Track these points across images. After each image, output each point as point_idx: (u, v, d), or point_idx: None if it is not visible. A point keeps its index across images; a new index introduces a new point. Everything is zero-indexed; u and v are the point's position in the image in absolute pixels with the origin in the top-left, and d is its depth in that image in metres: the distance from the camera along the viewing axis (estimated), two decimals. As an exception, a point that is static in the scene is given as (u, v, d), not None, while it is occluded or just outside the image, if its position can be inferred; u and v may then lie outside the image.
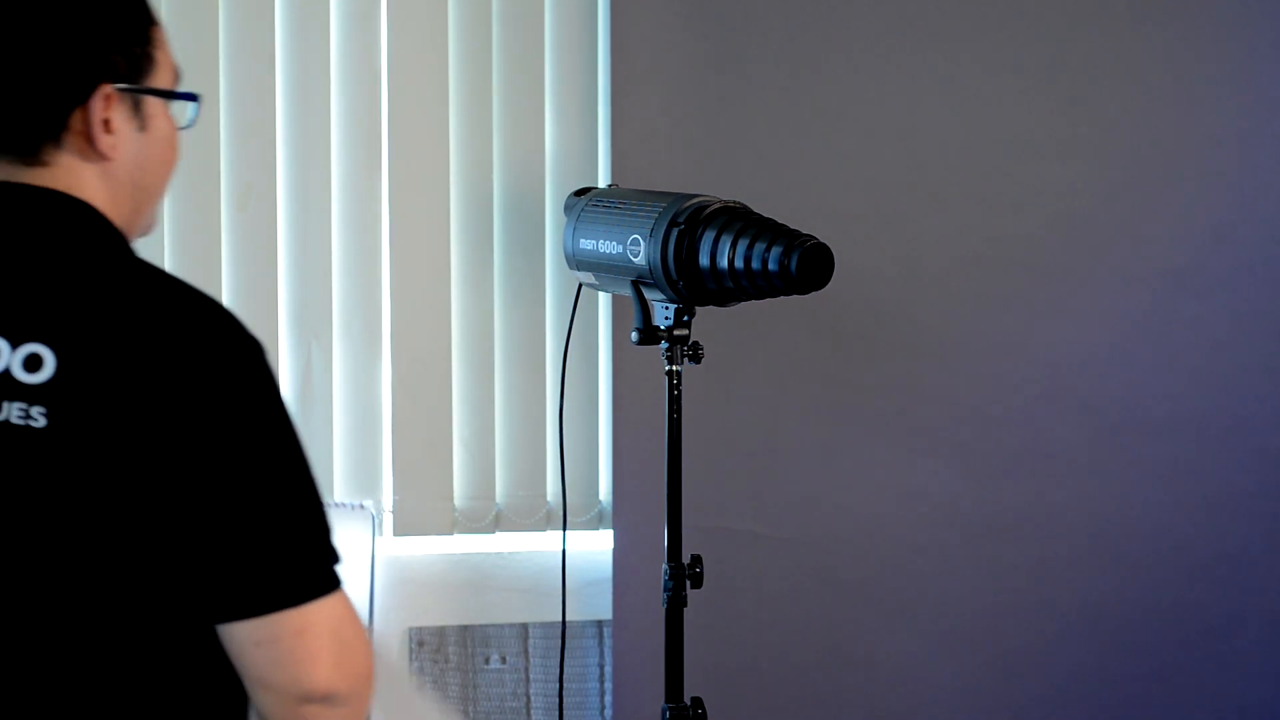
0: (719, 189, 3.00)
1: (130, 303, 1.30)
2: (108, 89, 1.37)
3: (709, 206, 1.99)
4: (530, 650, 2.92)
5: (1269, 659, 3.13)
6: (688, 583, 2.06)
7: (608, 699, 2.92)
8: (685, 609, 2.06)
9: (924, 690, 3.07)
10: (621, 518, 2.82)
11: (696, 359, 2.10)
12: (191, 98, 1.46)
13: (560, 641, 2.82)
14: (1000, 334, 3.06)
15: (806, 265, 1.88)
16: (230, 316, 1.33)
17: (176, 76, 1.46)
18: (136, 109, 1.40)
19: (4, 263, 1.34)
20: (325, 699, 1.30)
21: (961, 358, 3.05)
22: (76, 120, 1.37)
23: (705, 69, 2.96)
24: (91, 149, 1.38)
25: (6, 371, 1.28)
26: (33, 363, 1.28)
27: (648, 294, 2.05)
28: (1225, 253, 3.09)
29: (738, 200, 2.03)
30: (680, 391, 2.08)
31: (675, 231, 1.96)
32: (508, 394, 2.92)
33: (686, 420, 2.11)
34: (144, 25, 1.41)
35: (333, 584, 1.32)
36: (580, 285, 2.18)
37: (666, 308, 2.06)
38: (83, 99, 1.37)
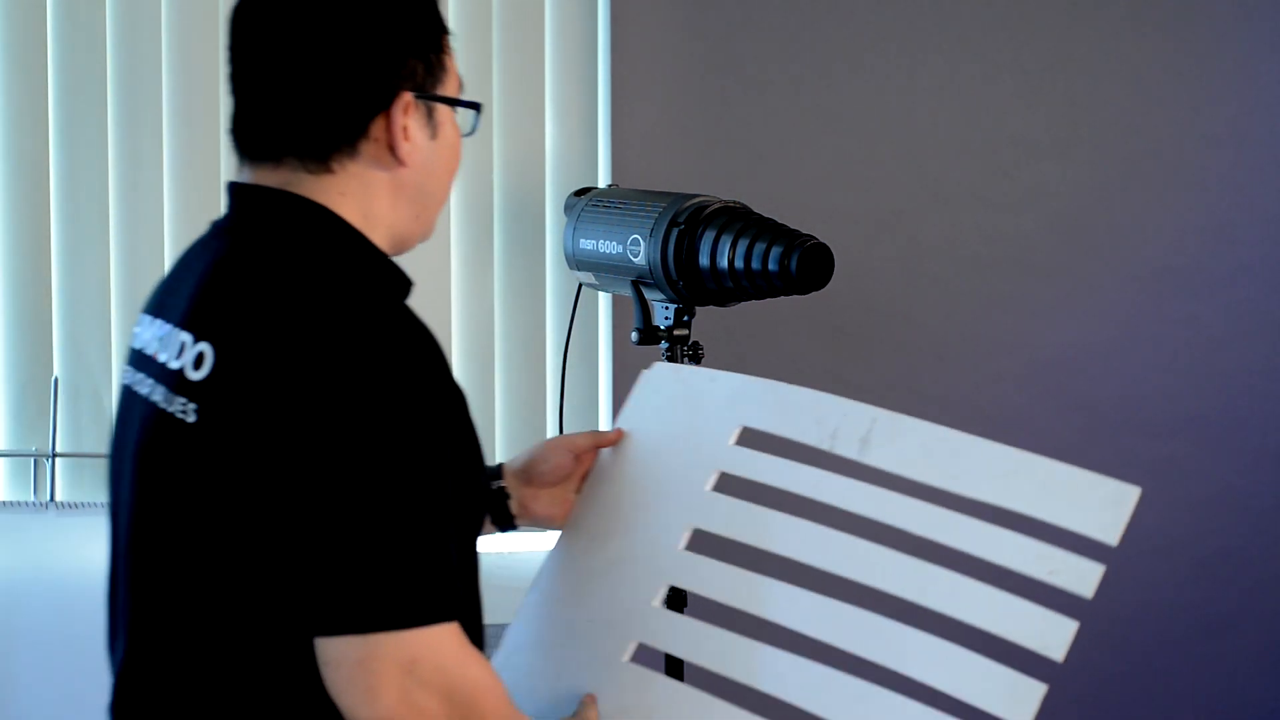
0: (719, 189, 3.00)
1: (290, 317, 1.30)
2: (408, 96, 1.39)
3: (709, 206, 1.99)
4: (530, 650, 2.91)
5: (1265, 658, 3.13)
6: (688, 583, 2.06)
7: (608, 699, 2.92)
8: (685, 609, 2.06)
9: (923, 689, 3.07)
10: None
11: (696, 359, 2.10)
12: (476, 107, 1.47)
13: (560, 641, 2.81)
14: (1000, 333, 3.06)
15: (806, 265, 1.88)
16: (387, 349, 1.29)
17: (460, 85, 1.48)
18: (429, 116, 1.42)
19: (212, 263, 1.38)
20: None
21: (961, 357, 3.05)
22: (378, 127, 1.38)
23: (705, 69, 2.97)
24: (390, 155, 1.39)
25: (182, 368, 1.34)
26: (199, 361, 1.32)
27: (648, 294, 2.04)
28: (1223, 252, 3.09)
29: (738, 200, 2.03)
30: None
31: (675, 231, 1.96)
32: (508, 393, 2.93)
33: (686, 420, 2.11)
34: (439, 33, 1.43)
35: (413, 620, 1.25)
36: (580, 285, 2.17)
37: (666, 308, 2.05)
38: (386, 105, 1.38)
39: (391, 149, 1.39)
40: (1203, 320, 3.09)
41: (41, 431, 2.83)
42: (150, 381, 1.38)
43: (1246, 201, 3.10)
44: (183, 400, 1.32)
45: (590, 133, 2.96)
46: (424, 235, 1.50)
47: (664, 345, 2.06)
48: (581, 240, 2.07)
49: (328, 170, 1.38)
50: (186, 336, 1.35)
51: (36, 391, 2.83)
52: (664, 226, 1.97)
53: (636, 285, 2.03)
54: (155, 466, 1.35)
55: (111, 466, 1.46)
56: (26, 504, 2.82)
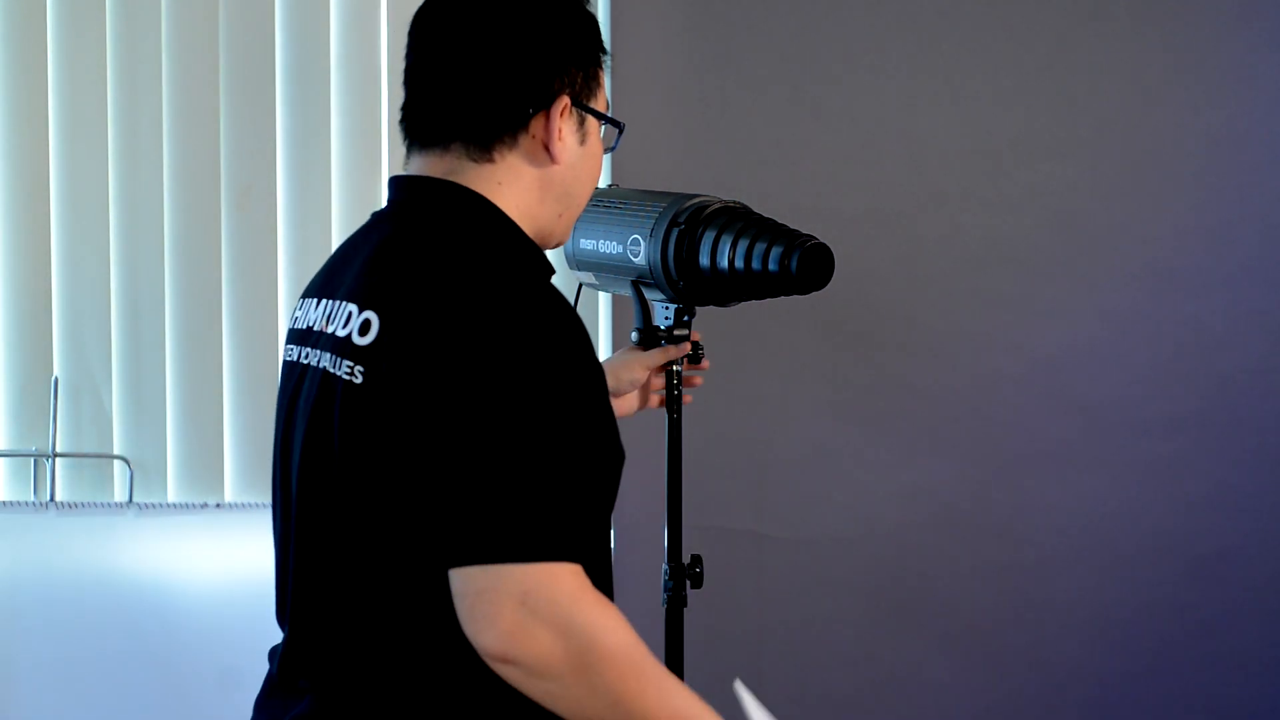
0: (719, 189, 3.00)
1: (449, 286, 1.42)
2: (566, 100, 1.54)
3: (709, 206, 1.98)
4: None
5: (1263, 657, 3.13)
6: (688, 583, 2.06)
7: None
8: (685, 609, 2.06)
9: (922, 689, 3.08)
10: (621, 517, 2.82)
11: (697, 359, 2.10)
12: (620, 126, 1.64)
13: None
14: (999, 334, 3.06)
15: (807, 265, 1.88)
16: (534, 314, 1.42)
17: (608, 105, 1.65)
18: (580, 124, 1.57)
19: (378, 243, 1.52)
20: (506, 662, 1.34)
21: (961, 357, 3.05)
22: (537, 124, 1.53)
23: (705, 69, 2.97)
24: (544, 153, 1.54)
25: (349, 334, 1.47)
26: (365, 327, 1.45)
27: (648, 294, 2.04)
28: (1223, 252, 3.09)
29: (738, 200, 2.03)
30: (680, 391, 2.08)
31: (675, 231, 1.96)
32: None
33: (686, 420, 2.11)
34: (598, 51, 1.60)
35: (530, 555, 1.33)
36: (580, 285, 2.18)
37: (666, 308, 2.06)
38: (547, 104, 1.53)
39: (546, 147, 1.53)
40: (1201, 320, 3.09)
41: (41, 431, 2.83)
42: (318, 352, 1.51)
43: (1246, 201, 3.10)
44: (349, 363, 1.44)
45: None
46: (563, 236, 1.63)
47: (664, 345, 2.06)
48: (581, 240, 2.07)
49: (489, 159, 1.52)
50: (352, 307, 1.48)
51: (36, 391, 2.83)
52: (664, 226, 1.97)
53: (636, 285, 2.03)
54: (322, 423, 1.47)
55: (280, 438, 1.58)
56: (26, 504, 2.82)
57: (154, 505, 2.83)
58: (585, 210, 2.00)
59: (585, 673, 1.34)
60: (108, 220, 2.84)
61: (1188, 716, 3.13)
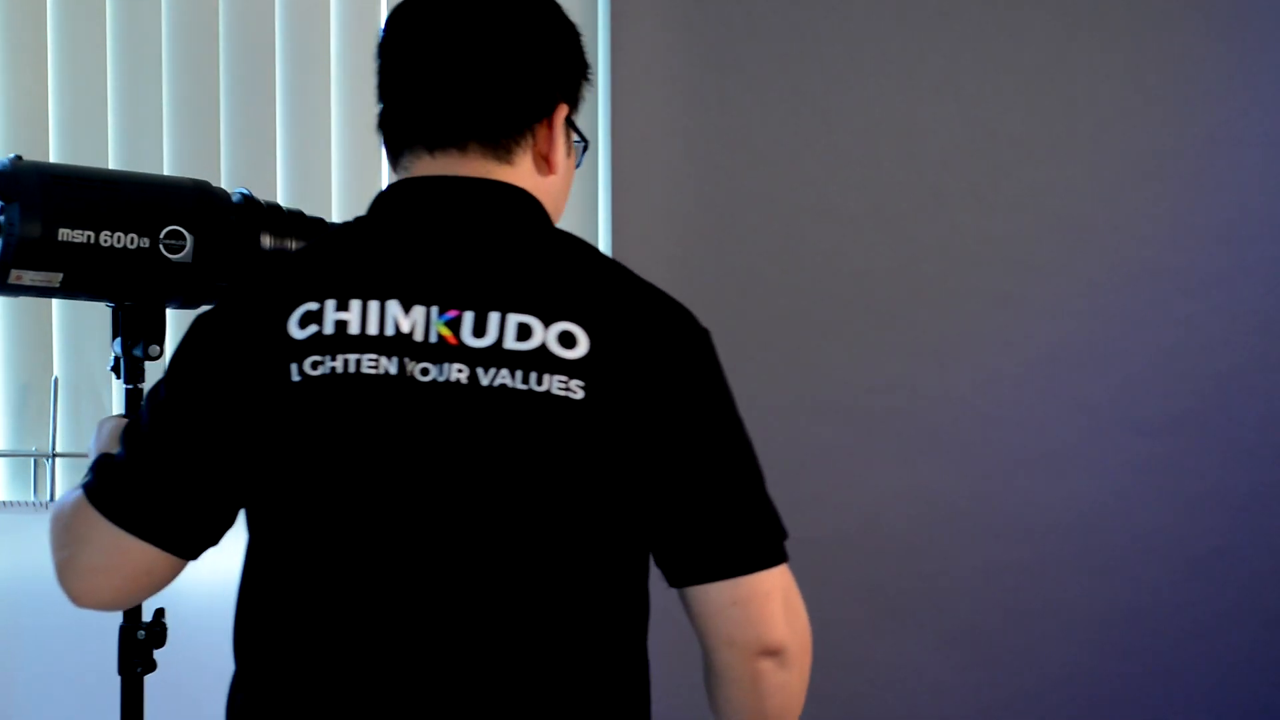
0: (719, 189, 3.01)
1: (629, 293, 1.43)
2: (565, 109, 1.49)
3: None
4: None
5: (1261, 656, 3.13)
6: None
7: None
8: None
9: (922, 688, 3.08)
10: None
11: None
12: (585, 143, 1.59)
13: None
14: (999, 333, 3.06)
15: None
16: (687, 309, 1.46)
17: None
18: (566, 136, 1.52)
19: (517, 254, 1.44)
20: (780, 653, 1.44)
21: (961, 357, 3.05)
22: (541, 131, 1.48)
23: (705, 69, 2.97)
24: (542, 162, 1.49)
25: (543, 347, 1.38)
26: (567, 340, 1.39)
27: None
28: (1221, 253, 3.09)
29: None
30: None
31: None
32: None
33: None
34: (587, 66, 1.54)
35: (783, 555, 1.45)
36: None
37: None
38: (549, 111, 1.48)
39: (545, 156, 1.49)
40: (1200, 320, 3.09)
41: (41, 431, 2.83)
42: (442, 366, 1.39)
43: (1245, 201, 3.10)
44: (561, 378, 1.37)
45: (590, 133, 2.96)
46: None
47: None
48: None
49: (509, 161, 1.47)
50: (524, 318, 1.39)
51: (36, 391, 2.83)
52: None
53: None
54: (508, 440, 1.37)
55: (359, 456, 1.39)
56: (26, 504, 2.82)
57: (154, 505, 2.83)
58: None
59: (806, 658, 1.48)
60: (108, 220, 2.84)
61: (1187, 715, 3.13)
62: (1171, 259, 3.08)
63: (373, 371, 1.38)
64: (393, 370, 1.38)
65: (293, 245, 1.86)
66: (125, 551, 1.44)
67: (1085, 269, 3.07)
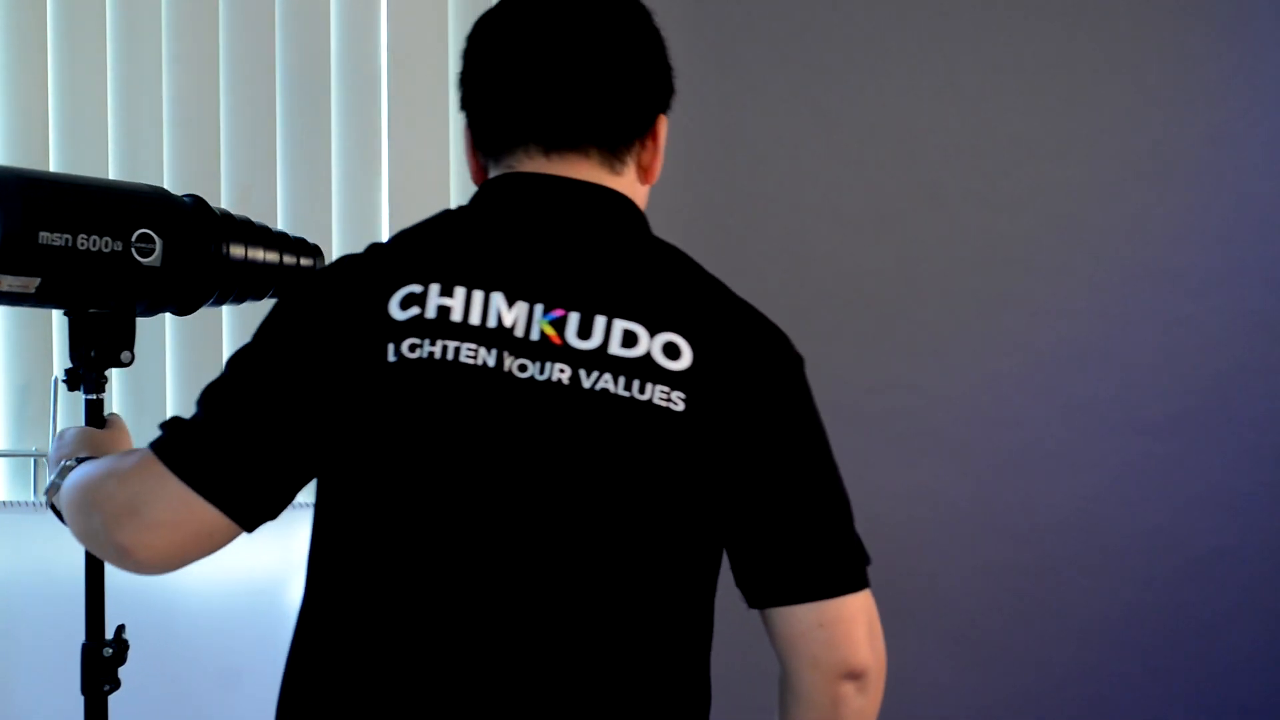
0: (719, 189, 3.01)
1: (732, 310, 1.44)
2: (665, 120, 1.52)
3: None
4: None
5: (1260, 656, 3.13)
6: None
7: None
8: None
9: (922, 689, 3.08)
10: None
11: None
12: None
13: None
14: (999, 334, 3.06)
15: None
16: (784, 332, 1.49)
17: None
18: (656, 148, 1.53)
19: (626, 261, 1.43)
20: (862, 677, 1.45)
21: (961, 358, 3.05)
22: (648, 141, 1.51)
23: (705, 69, 2.97)
24: (643, 171, 1.51)
25: (648, 355, 1.38)
26: (671, 351, 1.38)
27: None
28: (1221, 253, 3.09)
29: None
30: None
31: None
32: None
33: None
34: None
35: (868, 579, 1.48)
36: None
37: None
38: (651, 123, 1.50)
39: (646, 166, 1.51)
40: (1200, 320, 3.09)
41: (41, 431, 2.83)
42: (544, 364, 1.37)
43: (1245, 201, 3.10)
44: (663, 388, 1.37)
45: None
46: None
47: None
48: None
49: (619, 171, 1.48)
50: (630, 325, 1.38)
51: (36, 391, 2.83)
52: None
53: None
54: (604, 445, 1.36)
55: (449, 445, 1.37)
56: (26, 504, 2.82)
57: (154, 505, 2.83)
58: None
59: (882, 684, 1.49)
60: (108, 220, 2.84)
61: (1186, 715, 3.13)
62: (1171, 259, 3.08)
63: (470, 361, 1.36)
64: (490, 362, 1.36)
65: (249, 252, 1.88)
66: (191, 509, 1.39)
67: (1085, 269, 3.07)
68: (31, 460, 2.83)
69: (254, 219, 1.93)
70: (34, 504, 2.81)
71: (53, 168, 2.83)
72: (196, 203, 1.84)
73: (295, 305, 1.41)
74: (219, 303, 1.90)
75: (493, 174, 1.48)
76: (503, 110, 1.45)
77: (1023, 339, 3.06)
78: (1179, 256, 3.09)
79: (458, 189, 2.90)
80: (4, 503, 2.82)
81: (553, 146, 1.44)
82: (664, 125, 1.51)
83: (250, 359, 1.40)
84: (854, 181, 3.02)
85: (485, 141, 1.47)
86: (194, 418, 1.42)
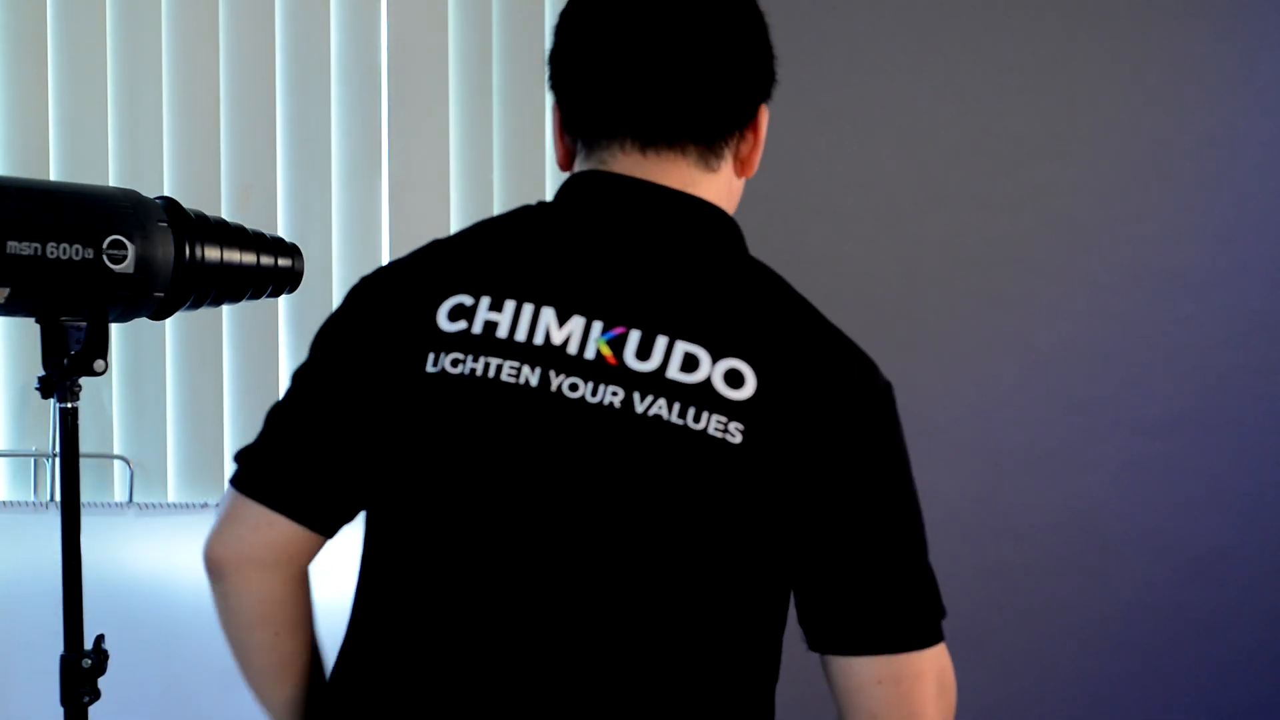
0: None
1: (811, 336, 1.33)
2: (766, 111, 1.41)
3: None
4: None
5: (1260, 657, 3.13)
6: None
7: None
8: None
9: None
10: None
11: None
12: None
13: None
14: (999, 334, 3.06)
15: None
16: (872, 360, 1.37)
17: None
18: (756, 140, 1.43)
19: (700, 280, 1.34)
20: None
21: (961, 358, 3.05)
22: (748, 132, 1.40)
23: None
24: (739, 165, 1.42)
25: (708, 382, 1.28)
26: (734, 378, 1.29)
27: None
28: (1222, 253, 3.09)
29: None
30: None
31: None
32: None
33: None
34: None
35: (941, 634, 1.36)
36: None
37: None
38: (753, 114, 1.40)
39: (744, 158, 1.42)
40: (1200, 320, 3.09)
41: (41, 431, 2.83)
42: (596, 385, 1.29)
43: (1245, 201, 3.10)
44: (720, 417, 1.27)
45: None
46: None
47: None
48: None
49: (714, 169, 1.39)
50: (691, 348, 1.29)
51: (37, 391, 2.83)
52: None
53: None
54: (650, 474, 1.27)
55: (485, 465, 1.30)
56: (26, 504, 2.82)
57: (154, 505, 2.83)
58: None
59: None
60: (108, 220, 2.84)
61: (1186, 715, 3.13)
62: (1171, 259, 3.08)
63: (511, 380, 1.29)
64: (534, 381, 1.29)
65: (224, 254, 1.87)
66: (273, 526, 1.38)
67: (1085, 269, 3.07)
68: (31, 460, 2.83)
69: (247, 222, 1.92)
70: (34, 504, 2.81)
71: (53, 168, 2.83)
72: (170, 205, 1.84)
73: (347, 312, 1.38)
74: (195, 306, 1.89)
75: (581, 164, 1.39)
76: (598, 98, 1.36)
77: (1023, 339, 3.06)
78: (1179, 256, 3.08)
79: (458, 189, 2.90)
80: (4, 503, 2.82)
81: (649, 142, 1.35)
82: (765, 115, 1.40)
83: (305, 372, 1.39)
84: (854, 181, 3.01)
85: (576, 127, 1.39)
86: (258, 438, 1.41)
